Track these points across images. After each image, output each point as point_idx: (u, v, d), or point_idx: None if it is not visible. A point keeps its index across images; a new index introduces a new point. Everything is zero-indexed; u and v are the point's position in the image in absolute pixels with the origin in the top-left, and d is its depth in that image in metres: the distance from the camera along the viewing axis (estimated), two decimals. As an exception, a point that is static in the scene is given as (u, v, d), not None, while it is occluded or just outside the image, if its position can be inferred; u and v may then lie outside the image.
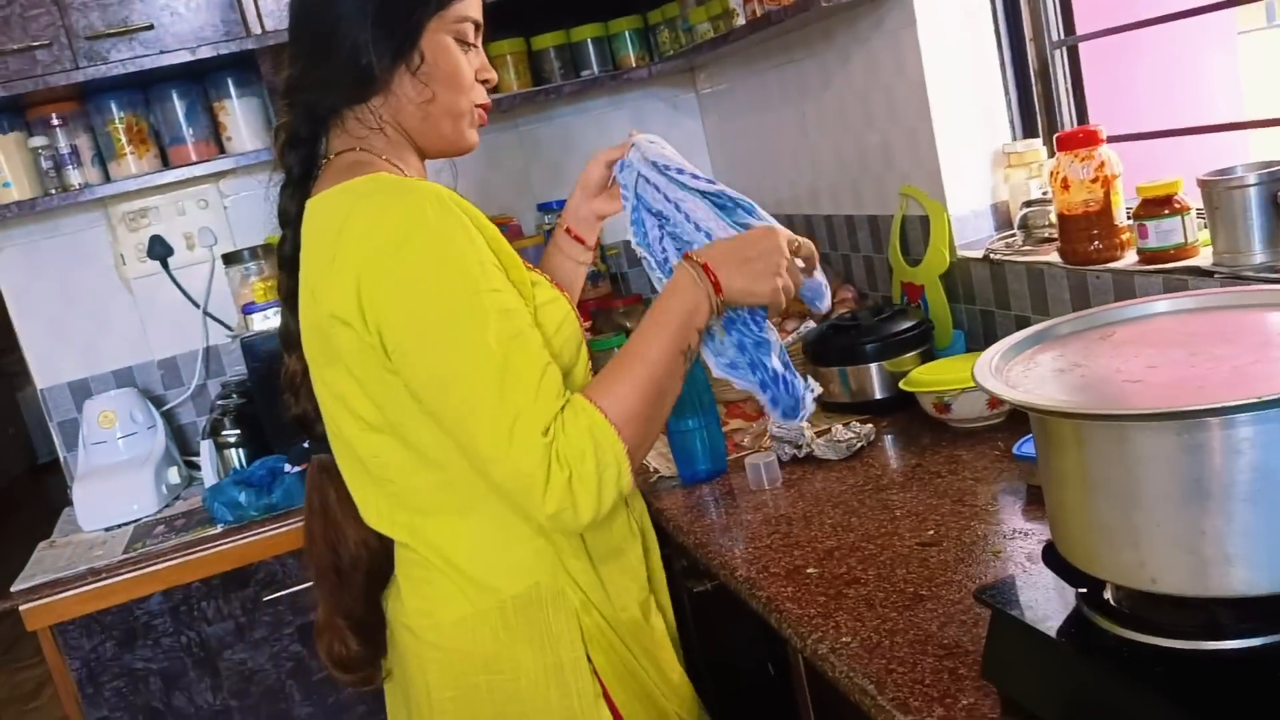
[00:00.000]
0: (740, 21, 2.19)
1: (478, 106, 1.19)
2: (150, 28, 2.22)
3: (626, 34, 2.71)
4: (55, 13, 2.18)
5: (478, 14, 1.17)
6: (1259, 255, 1.41)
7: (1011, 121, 1.97)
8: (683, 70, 2.88)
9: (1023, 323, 1.83)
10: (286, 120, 1.17)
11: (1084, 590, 0.90)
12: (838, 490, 1.60)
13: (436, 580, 1.17)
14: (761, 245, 1.18)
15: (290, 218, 1.18)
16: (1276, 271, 1.38)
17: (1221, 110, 2.05)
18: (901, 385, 1.81)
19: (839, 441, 1.73)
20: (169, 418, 2.57)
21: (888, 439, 1.78)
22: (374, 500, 1.18)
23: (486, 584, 1.16)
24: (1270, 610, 0.81)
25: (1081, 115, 1.92)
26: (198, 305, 2.60)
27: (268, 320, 2.25)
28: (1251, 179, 1.40)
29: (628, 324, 2.58)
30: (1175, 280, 1.49)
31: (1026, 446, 1.46)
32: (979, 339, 1.96)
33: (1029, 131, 1.97)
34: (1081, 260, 1.66)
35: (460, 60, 1.15)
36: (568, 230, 1.46)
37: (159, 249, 2.56)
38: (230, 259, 2.44)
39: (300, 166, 1.16)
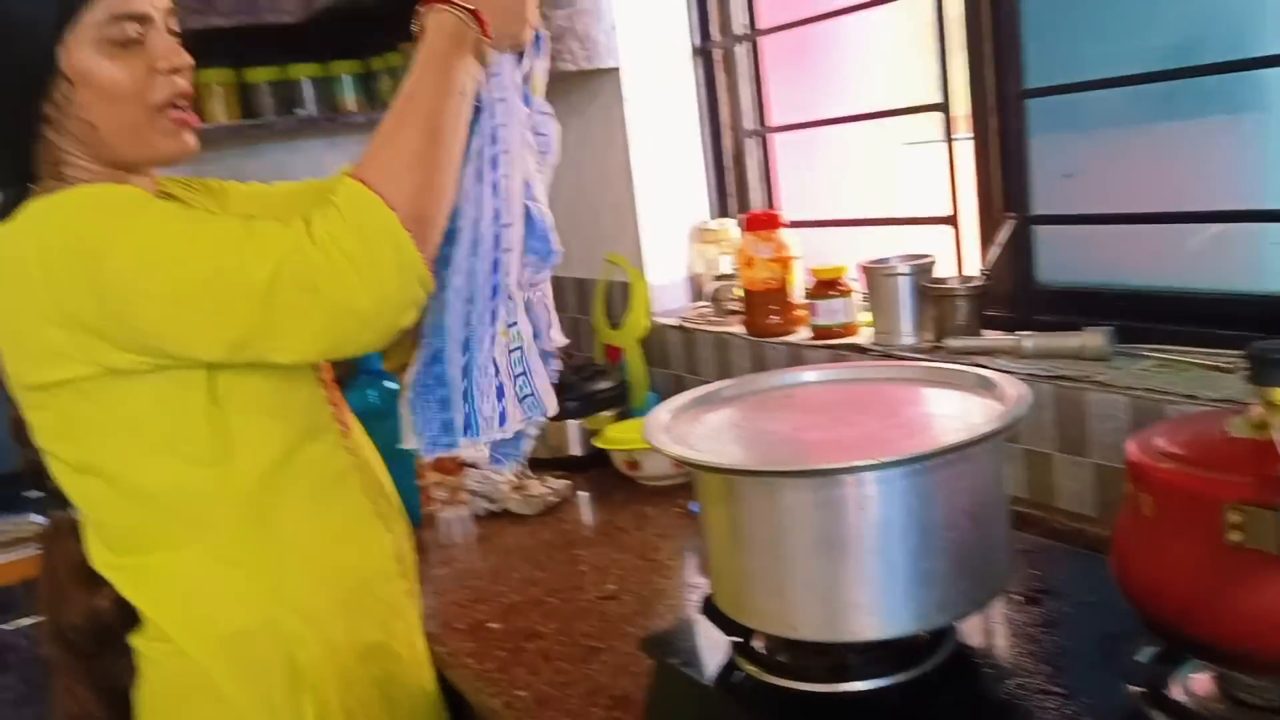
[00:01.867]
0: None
1: (164, 107, 1.04)
2: None
3: (345, 78, 2.66)
4: None
5: (140, 4, 1.01)
6: (908, 336, 1.59)
7: (709, 201, 2.11)
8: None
9: (711, 388, 1.95)
10: None
11: (738, 639, 0.96)
12: (529, 545, 1.62)
13: (147, 624, 1.11)
14: None
15: None
16: (921, 351, 1.55)
17: (888, 206, 2.30)
18: (595, 442, 1.87)
19: (534, 497, 1.75)
20: None
21: (583, 496, 1.83)
22: (93, 544, 1.11)
23: (188, 625, 1.09)
24: (892, 653, 0.90)
25: (770, 200, 2.09)
26: None
27: None
28: (904, 268, 1.58)
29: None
30: (839, 355, 1.64)
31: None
32: (672, 402, 2.06)
33: (723, 211, 2.12)
34: (762, 332, 1.79)
35: (118, 69, 1.00)
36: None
37: None
38: None
39: (5, 210, 1.02)
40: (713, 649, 1.00)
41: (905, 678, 0.88)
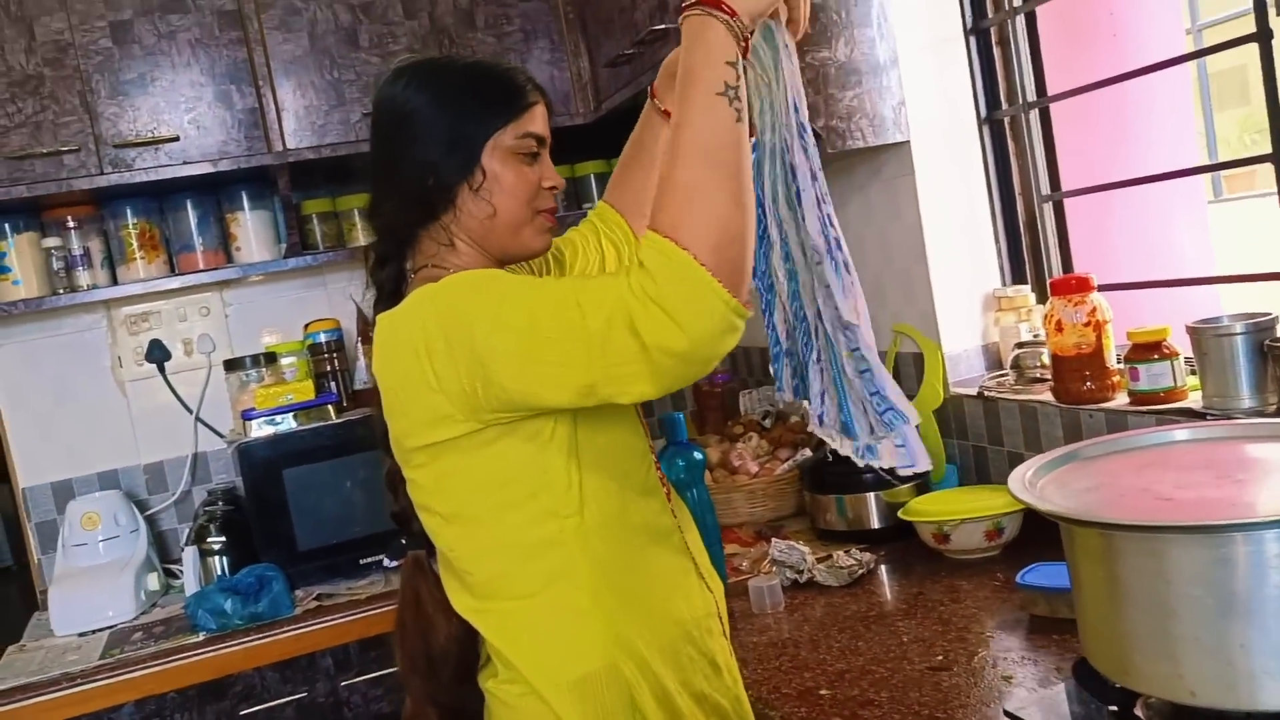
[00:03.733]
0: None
1: (541, 213, 1.24)
2: (176, 139, 2.30)
3: (590, 176, 2.81)
4: (86, 120, 2.25)
5: (540, 128, 1.23)
6: (1247, 399, 1.49)
7: (1001, 268, 2.08)
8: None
9: (1015, 458, 1.89)
10: (374, 242, 1.25)
11: (1115, 708, 0.92)
12: (841, 616, 1.62)
13: (500, 667, 1.20)
14: None
15: None
16: (1264, 415, 1.45)
17: (1192, 267, 2.18)
18: (900, 514, 1.85)
19: (840, 568, 1.75)
20: (150, 523, 2.53)
21: (885, 568, 1.81)
22: (455, 589, 1.22)
23: (542, 669, 1.17)
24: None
25: (1067, 264, 2.03)
26: (190, 410, 2.60)
27: (268, 427, 2.25)
28: (1239, 328, 1.49)
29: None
30: (1169, 421, 1.56)
31: (1030, 576, 1.50)
32: (971, 473, 2.01)
33: (1017, 278, 2.08)
34: (1075, 400, 1.73)
35: (520, 174, 1.21)
36: (661, 108, 1.42)
37: (157, 353, 2.57)
38: (231, 365, 2.46)
39: (390, 283, 1.22)
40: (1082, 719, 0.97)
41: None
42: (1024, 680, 1.28)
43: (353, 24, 2.41)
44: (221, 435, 2.59)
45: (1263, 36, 1.51)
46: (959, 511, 1.75)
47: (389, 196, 1.21)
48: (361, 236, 2.61)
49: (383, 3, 2.43)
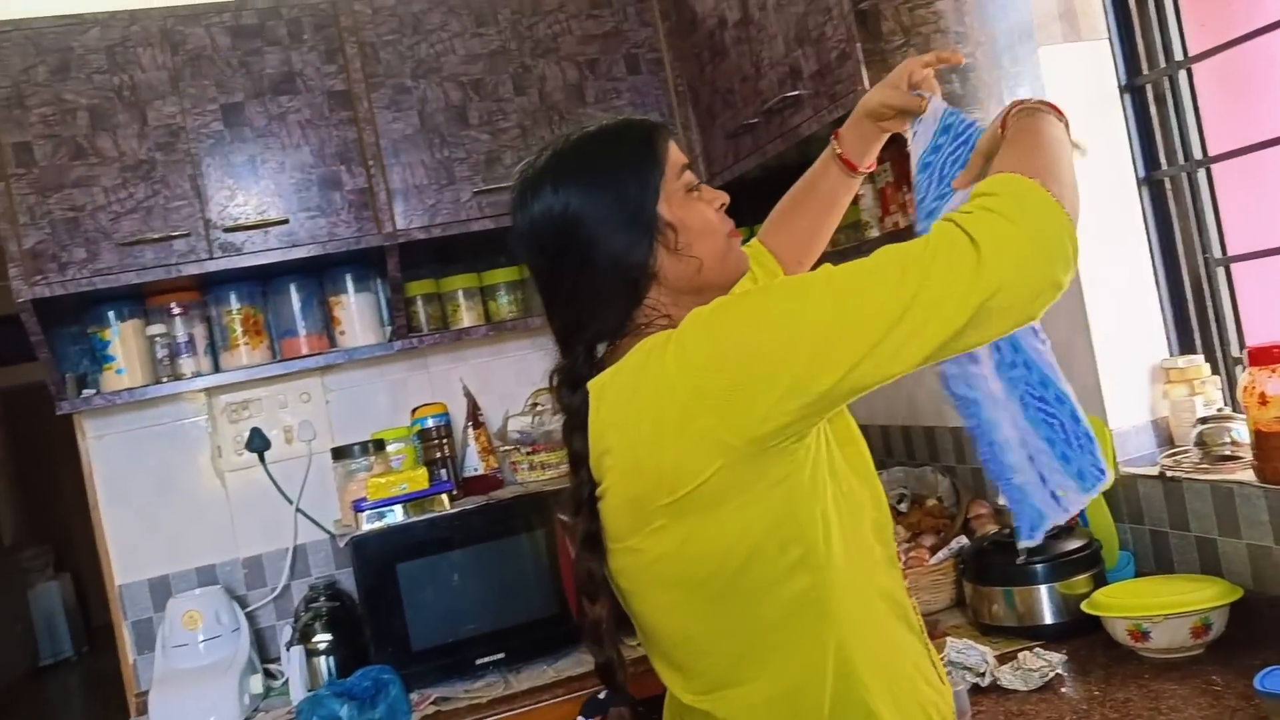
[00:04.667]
0: (874, 234, 2.20)
1: (730, 234, 1.16)
2: (285, 222, 2.24)
3: None
4: (197, 204, 2.20)
5: (683, 156, 1.16)
6: None
7: (1168, 337, 1.94)
8: (785, 281, 2.89)
9: (1205, 544, 1.73)
10: (565, 364, 1.13)
11: None
12: (1044, 725, 1.45)
13: None
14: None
15: (581, 418, 1.10)
16: None
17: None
18: (1085, 608, 1.69)
19: (1030, 670, 1.59)
20: (250, 620, 2.42)
21: (1071, 668, 1.64)
22: (679, 682, 1.13)
23: None
24: None
25: (1239, 334, 1.88)
26: (290, 501, 2.50)
27: (378, 519, 2.14)
28: None
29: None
30: None
31: (1271, 681, 1.33)
32: (1149, 560, 1.85)
33: (1185, 347, 1.93)
34: (1283, 480, 1.58)
35: (701, 211, 1.13)
36: (838, 153, 1.41)
37: (258, 442, 2.49)
38: (339, 453, 2.36)
39: (584, 405, 1.09)
40: None
41: None
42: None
43: (463, 101, 2.36)
44: (324, 528, 2.49)
45: None
46: (1159, 606, 1.58)
47: (589, 308, 1.11)
48: (465, 317, 2.53)
49: (493, 80, 2.38)
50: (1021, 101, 1.15)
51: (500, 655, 2.13)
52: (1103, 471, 1.23)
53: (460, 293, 2.54)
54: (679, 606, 1.08)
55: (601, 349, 1.13)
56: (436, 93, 2.35)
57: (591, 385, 1.08)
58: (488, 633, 2.13)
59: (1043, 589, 1.77)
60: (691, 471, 1.00)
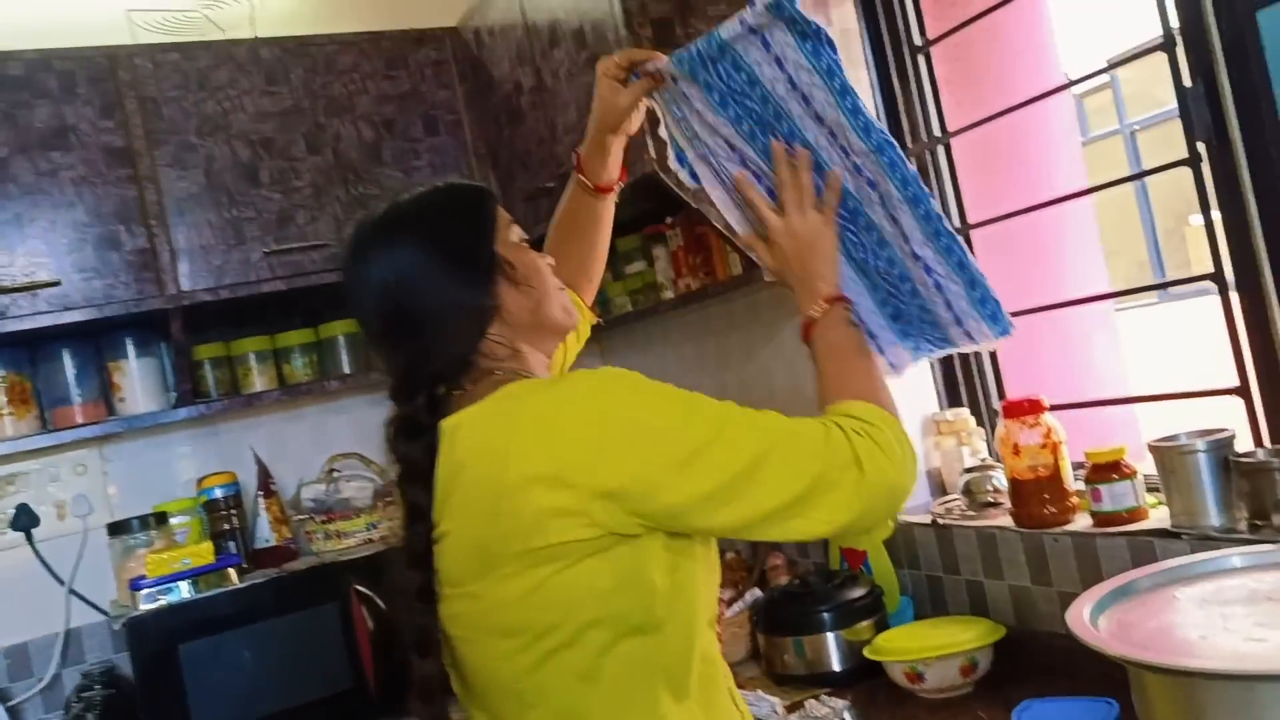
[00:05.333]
0: (669, 295, 2.27)
1: (560, 289, 1.21)
2: (57, 283, 2.11)
3: None
4: (-47, 265, 2.04)
5: (506, 215, 1.19)
6: (1215, 517, 1.48)
7: (937, 391, 2.07)
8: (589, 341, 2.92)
9: (974, 587, 1.84)
10: (402, 414, 1.10)
11: None
12: (826, 772, 1.50)
13: None
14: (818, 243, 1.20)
15: (421, 468, 1.08)
16: (1236, 532, 1.45)
17: (1108, 384, 2.22)
18: (867, 653, 1.76)
19: (815, 717, 1.64)
20: (13, 715, 2.22)
21: (854, 712, 1.70)
22: None
23: None
24: None
25: (999, 388, 2.03)
26: (62, 582, 2.32)
27: (160, 597, 2.02)
28: (1201, 445, 1.49)
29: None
30: (1142, 543, 1.54)
31: (1027, 717, 1.42)
32: (926, 604, 1.95)
33: (953, 401, 2.07)
34: (1036, 524, 1.70)
35: (534, 256, 1.18)
36: (581, 177, 1.44)
37: (24, 520, 2.31)
38: (116, 528, 2.21)
39: (425, 455, 1.07)
40: None
41: None
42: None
43: (253, 160, 2.30)
44: (99, 608, 2.32)
45: (1192, 160, 1.56)
46: (931, 648, 1.68)
47: (432, 348, 1.10)
48: (257, 381, 2.44)
49: (284, 139, 2.33)
50: (811, 318, 1.19)
51: (292, 736, 2.04)
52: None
53: (252, 355, 2.45)
54: (514, 656, 1.06)
55: (441, 392, 1.11)
56: (224, 150, 2.28)
57: (444, 424, 1.07)
58: (282, 711, 2.04)
59: (829, 636, 1.85)
60: (546, 525, 1.00)
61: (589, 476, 1.00)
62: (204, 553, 2.08)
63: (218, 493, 2.34)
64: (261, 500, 2.38)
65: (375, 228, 1.14)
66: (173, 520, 2.28)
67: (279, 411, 2.58)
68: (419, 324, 1.11)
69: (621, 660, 1.05)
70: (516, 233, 1.18)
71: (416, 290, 1.10)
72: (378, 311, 1.14)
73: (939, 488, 2.05)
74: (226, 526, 2.33)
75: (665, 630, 1.06)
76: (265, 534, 2.34)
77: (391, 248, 1.11)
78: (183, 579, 2.04)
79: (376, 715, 2.11)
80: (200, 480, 2.39)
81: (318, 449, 2.56)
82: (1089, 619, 0.90)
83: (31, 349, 2.28)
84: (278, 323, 2.50)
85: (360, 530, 2.27)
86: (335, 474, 2.40)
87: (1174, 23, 1.55)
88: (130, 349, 2.32)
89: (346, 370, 2.50)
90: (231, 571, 2.09)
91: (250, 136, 2.30)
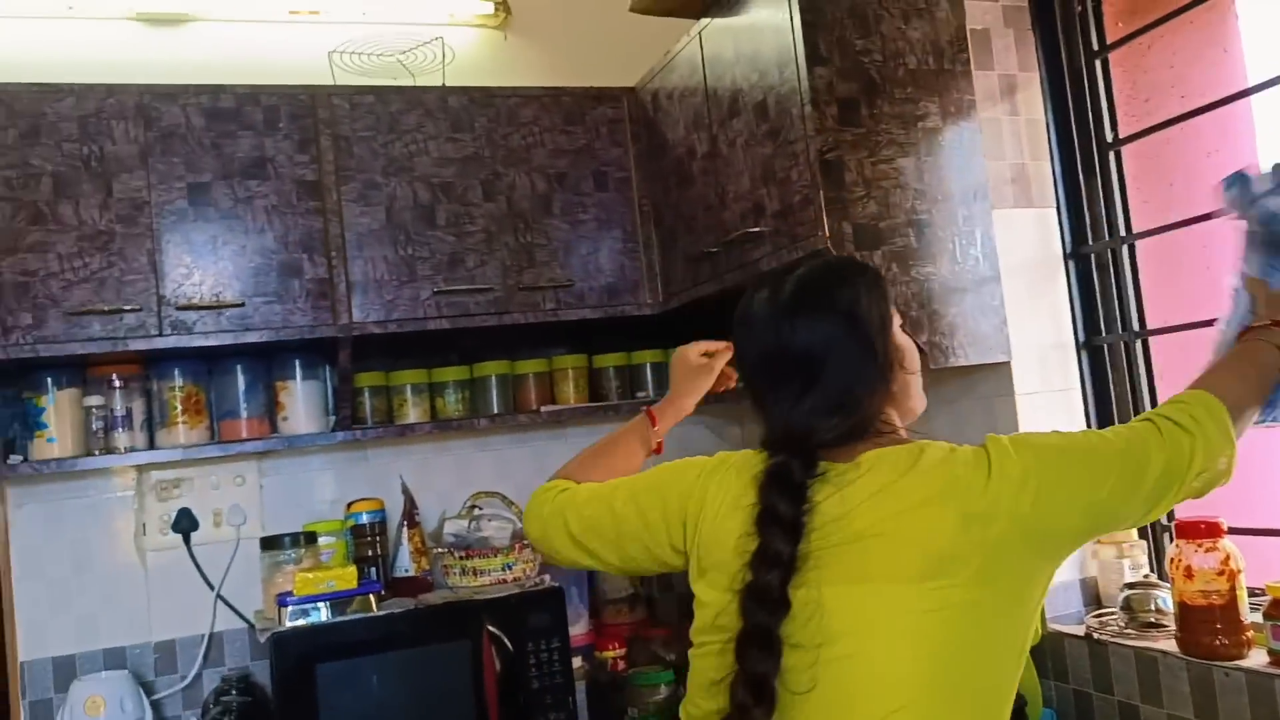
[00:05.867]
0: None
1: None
2: (241, 305, 2.23)
3: (647, 365, 2.76)
4: (153, 280, 2.18)
5: None
6: None
7: (1099, 498, 1.98)
8: (731, 405, 2.92)
9: (1127, 709, 1.75)
10: (784, 460, 1.17)
11: None
12: None
13: None
14: None
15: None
16: None
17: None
18: (1007, 768, 1.69)
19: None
20: (155, 708, 2.32)
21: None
22: None
23: None
24: None
25: (1167, 499, 1.94)
26: (212, 586, 2.43)
27: (301, 616, 2.09)
28: (1403, 594, 1.39)
29: (666, 655, 2.44)
30: (1324, 690, 1.44)
31: None
32: (1070, 719, 1.86)
33: (1115, 509, 1.98)
34: (1204, 654, 1.61)
35: (911, 345, 1.30)
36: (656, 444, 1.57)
37: (185, 523, 2.43)
38: (268, 543, 2.30)
39: (791, 509, 1.13)
40: None
41: None
42: None
43: (431, 202, 2.39)
44: (244, 617, 2.42)
45: None
46: (1078, 771, 1.60)
47: (854, 403, 1.19)
48: (411, 413, 2.52)
49: (462, 184, 2.41)
50: (1260, 325, 1.32)
51: (413, 767, 2.07)
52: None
53: (409, 388, 2.53)
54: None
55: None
56: (406, 191, 2.37)
57: (864, 458, 1.16)
58: (402, 742, 2.07)
59: (966, 742, 1.77)
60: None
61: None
62: (348, 576, 2.14)
63: (364, 518, 2.42)
64: (405, 529, 2.44)
65: (856, 268, 1.27)
66: (320, 540, 2.36)
67: (428, 443, 2.66)
68: (854, 379, 1.19)
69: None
70: (898, 321, 1.28)
71: (883, 330, 1.22)
72: (856, 325, 1.20)
73: (1094, 600, 1.96)
74: (370, 553, 2.40)
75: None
76: (405, 563, 2.40)
77: (862, 291, 1.22)
78: (326, 600, 2.11)
79: (496, 758, 2.12)
80: (350, 504, 2.47)
81: (461, 484, 2.62)
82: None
83: (210, 362, 2.41)
84: (435, 358, 2.58)
85: (496, 570, 2.30)
86: (477, 511, 2.45)
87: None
88: (298, 371, 2.42)
89: (495, 410, 2.56)
90: (371, 598, 2.15)
91: (431, 179, 2.39)
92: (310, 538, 2.33)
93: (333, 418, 2.45)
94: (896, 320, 1.27)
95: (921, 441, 1.17)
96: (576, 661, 2.37)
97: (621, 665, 2.48)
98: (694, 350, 1.62)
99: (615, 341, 2.74)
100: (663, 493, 1.29)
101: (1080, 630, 1.84)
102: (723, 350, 1.59)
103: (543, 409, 2.60)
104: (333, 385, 2.46)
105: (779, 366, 1.21)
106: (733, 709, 1.07)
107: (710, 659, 1.17)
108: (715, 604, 1.17)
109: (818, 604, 1.08)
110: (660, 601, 2.78)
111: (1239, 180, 1.40)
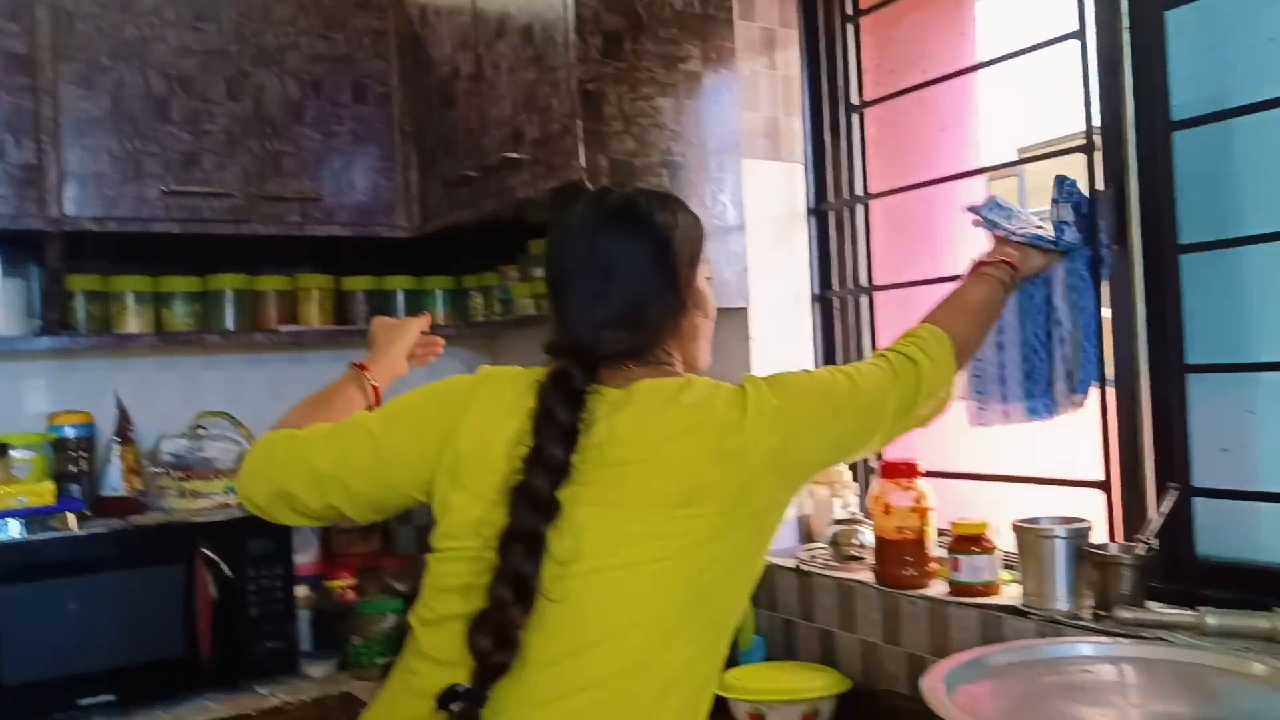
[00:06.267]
0: (573, 304, 2.25)
1: None
2: (-71, 185, 1.97)
3: (438, 292, 2.71)
4: None
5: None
6: (1063, 602, 1.55)
7: (820, 442, 2.11)
8: (485, 337, 2.89)
9: (827, 637, 1.88)
10: (566, 366, 1.17)
11: None
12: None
13: None
14: None
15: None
16: (1080, 619, 1.51)
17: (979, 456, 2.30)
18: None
19: (655, 745, 1.64)
20: None
21: (694, 746, 1.71)
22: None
23: None
24: None
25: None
26: (-119, 502, 2.16)
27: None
28: (1062, 532, 1.56)
29: (398, 586, 2.40)
30: (991, 617, 1.60)
31: (860, 770, 1.45)
32: (779, 647, 1.98)
33: (833, 453, 2.11)
34: (895, 584, 1.75)
35: (710, 293, 1.31)
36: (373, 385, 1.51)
37: None
38: (-47, 454, 2.07)
39: (569, 415, 1.14)
40: None
41: None
42: None
43: (166, 94, 2.20)
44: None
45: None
46: (776, 691, 1.70)
47: (647, 320, 1.21)
48: (132, 322, 2.33)
49: (203, 79, 2.23)
50: (990, 262, 1.50)
51: (110, 697, 1.93)
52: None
53: (130, 295, 2.33)
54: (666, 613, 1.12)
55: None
56: (137, 78, 2.17)
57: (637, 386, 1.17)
58: (100, 671, 1.93)
59: (680, 667, 1.85)
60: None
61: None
62: (44, 492, 1.97)
63: (69, 431, 2.22)
64: (117, 446, 2.26)
65: (655, 195, 1.28)
66: (14, 453, 2.15)
67: (151, 357, 2.46)
68: (673, 275, 1.22)
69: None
70: (706, 269, 1.30)
71: (683, 253, 1.23)
72: (661, 243, 1.22)
73: (807, 535, 2.08)
74: (73, 469, 2.20)
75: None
76: (115, 482, 2.22)
77: (680, 215, 1.26)
78: (15, 516, 1.92)
79: (205, 688, 2.02)
80: (52, 416, 2.26)
81: (187, 404, 2.45)
82: (943, 688, 0.92)
83: (-112, 250, 2.12)
84: (164, 266, 2.40)
85: (218, 493, 2.17)
86: (201, 431, 2.30)
87: (1095, 120, 1.63)
88: (-1, 267, 2.18)
89: (230, 326, 2.41)
90: (71, 516, 1.98)
91: (168, 70, 2.20)
92: (2, 449, 2.11)
93: (38, 321, 2.23)
94: (706, 269, 1.30)
95: (690, 376, 1.21)
96: (303, 590, 2.29)
97: (351, 595, 2.42)
98: (389, 319, 1.66)
99: (366, 265, 2.64)
100: (423, 409, 1.26)
101: (791, 563, 1.96)
102: (419, 319, 1.63)
103: (282, 328, 2.47)
104: (40, 285, 2.23)
105: (583, 271, 1.22)
106: (491, 604, 1.06)
107: (459, 564, 1.14)
108: (469, 510, 1.15)
109: (572, 521, 1.09)
110: (397, 533, 2.73)
111: (994, 208, 1.57)
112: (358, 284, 2.63)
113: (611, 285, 1.20)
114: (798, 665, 1.86)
